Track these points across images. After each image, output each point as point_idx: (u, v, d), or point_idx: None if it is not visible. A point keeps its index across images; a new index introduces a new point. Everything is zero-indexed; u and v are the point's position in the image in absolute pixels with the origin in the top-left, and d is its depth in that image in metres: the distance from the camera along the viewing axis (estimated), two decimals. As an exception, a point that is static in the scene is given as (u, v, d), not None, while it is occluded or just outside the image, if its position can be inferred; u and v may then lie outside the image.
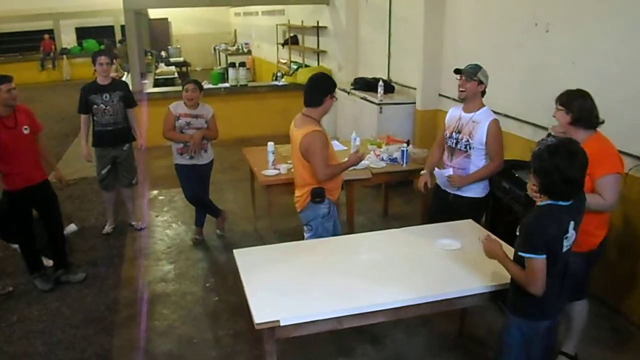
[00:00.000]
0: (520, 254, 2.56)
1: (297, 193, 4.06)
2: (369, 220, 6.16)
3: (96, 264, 5.29)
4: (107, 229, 5.99)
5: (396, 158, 5.13)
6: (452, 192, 4.09)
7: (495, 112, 5.38)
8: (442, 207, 4.18)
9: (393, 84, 7.65)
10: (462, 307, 3.67)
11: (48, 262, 5.05)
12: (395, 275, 3.09)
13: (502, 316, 3.38)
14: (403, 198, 6.60)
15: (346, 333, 3.95)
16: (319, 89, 3.88)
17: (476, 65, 3.93)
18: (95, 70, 5.71)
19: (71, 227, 5.90)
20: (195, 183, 5.45)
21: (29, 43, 22.22)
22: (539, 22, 4.93)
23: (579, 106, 3.20)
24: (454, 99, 5.52)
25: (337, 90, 4.02)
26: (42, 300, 4.67)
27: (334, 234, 4.05)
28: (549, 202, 2.52)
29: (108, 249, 5.63)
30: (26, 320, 4.36)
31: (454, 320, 4.07)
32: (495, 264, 2.81)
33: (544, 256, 2.49)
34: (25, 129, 4.49)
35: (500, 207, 4.39)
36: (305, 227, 4.07)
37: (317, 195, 3.93)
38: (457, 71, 3.96)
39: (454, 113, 4.13)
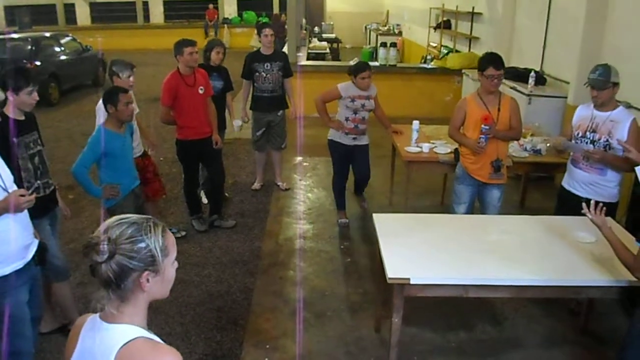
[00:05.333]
0: (636, 241, 2.63)
1: None
2: (503, 209, 6.13)
3: (244, 215, 5.90)
4: (256, 185, 6.61)
5: (540, 150, 5.12)
6: (585, 196, 3.90)
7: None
8: (571, 213, 3.89)
9: (545, 76, 7.49)
10: (587, 297, 3.71)
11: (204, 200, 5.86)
12: (523, 256, 3.22)
13: (627, 320, 3.37)
14: (542, 193, 6.50)
15: (468, 310, 4.16)
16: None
17: (604, 68, 3.77)
18: (260, 41, 6.27)
19: (237, 122, 6.44)
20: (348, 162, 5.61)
21: (194, 11, 24.15)
22: None
23: None
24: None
25: (492, 70, 4.15)
26: (197, 239, 5.34)
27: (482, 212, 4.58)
28: None
29: (255, 203, 6.23)
30: (184, 253, 5.01)
31: (577, 317, 4.10)
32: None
33: None
34: (201, 89, 5.10)
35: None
36: None
37: (454, 153, 4.64)
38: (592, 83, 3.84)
39: (585, 112, 4.03)
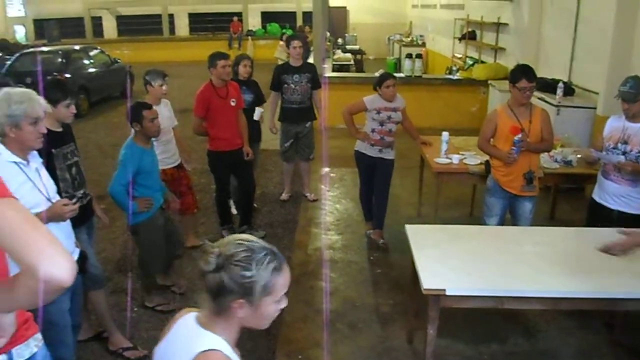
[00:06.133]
0: None
1: None
2: (533, 221, 6.13)
3: (273, 226, 5.95)
4: (284, 196, 6.66)
5: (571, 161, 5.08)
6: (616, 208, 3.97)
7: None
8: (602, 225, 3.95)
9: (573, 86, 7.44)
10: (623, 310, 3.66)
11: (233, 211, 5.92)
12: (558, 268, 3.20)
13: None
14: (571, 204, 6.44)
15: (499, 321, 4.14)
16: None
17: (635, 81, 3.79)
18: (288, 53, 6.37)
19: (258, 111, 6.22)
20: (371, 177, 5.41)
21: (219, 24, 24.52)
22: None
23: None
24: None
25: (525, 83, 4.11)
26: (227, 249, 5.37)
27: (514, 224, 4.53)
28: None
29: (284, 214, 6.28)
30: (215, 263, 5.07)
31: (612, 330, 4.06)
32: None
33: None
34: (233, 101, 5.19)
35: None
36: None
37: (485, 165, 4.62)
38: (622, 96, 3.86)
39: (616, 123, 4.03)
